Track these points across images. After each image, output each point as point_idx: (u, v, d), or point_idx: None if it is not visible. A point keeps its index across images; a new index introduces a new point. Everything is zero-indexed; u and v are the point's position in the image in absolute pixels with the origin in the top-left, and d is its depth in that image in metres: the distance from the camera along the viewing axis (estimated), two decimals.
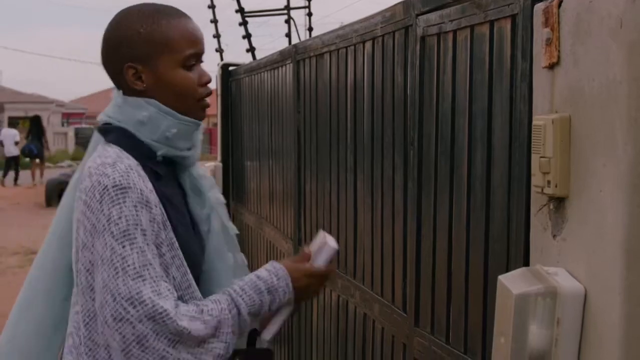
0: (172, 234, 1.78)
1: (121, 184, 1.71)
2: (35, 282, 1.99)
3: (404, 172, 2.91)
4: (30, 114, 34.66)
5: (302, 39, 8.01)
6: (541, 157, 1.79)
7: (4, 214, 15.30)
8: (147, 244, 1.70)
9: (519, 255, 2.04)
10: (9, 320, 2.02)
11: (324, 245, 2.04)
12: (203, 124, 1.95)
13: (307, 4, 8.92)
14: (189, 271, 1.81)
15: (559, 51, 1.77)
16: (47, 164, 22.41)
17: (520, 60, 2.05)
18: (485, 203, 2.27)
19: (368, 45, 3.30)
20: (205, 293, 1.90)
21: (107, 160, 1.76)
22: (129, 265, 1.67)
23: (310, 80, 4.24)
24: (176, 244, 1.79)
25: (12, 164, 21.74)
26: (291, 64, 4.61)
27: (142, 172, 1.77)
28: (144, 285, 1.66)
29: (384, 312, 3.09)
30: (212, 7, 8.48)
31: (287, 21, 8.65)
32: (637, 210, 1.56)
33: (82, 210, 1.74)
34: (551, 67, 1.80)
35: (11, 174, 21.58)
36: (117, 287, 1.66)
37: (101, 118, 1.90)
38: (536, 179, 1.83)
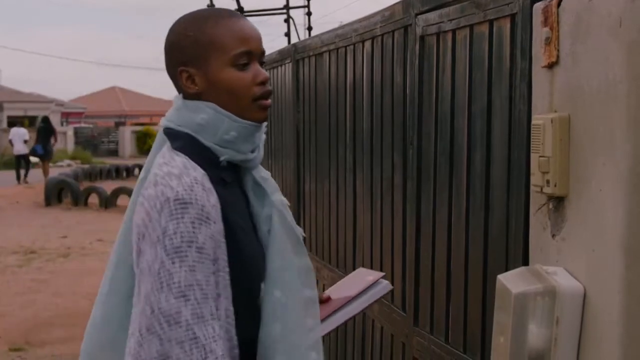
0: (225, 255, 1.75)
1: (183, 199, 1.68)
2: (104, 278, 1.98)
3: (403, 171, 2.91)
4: (30, 113, 34.71)
5: (302, 38, 8.02)
6: (540, 156, 1.79)
7: (3, 213, 15.28)
8: (202, 262, 1.67)
9: (518, 254, 2.04)
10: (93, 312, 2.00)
11: (375, 281, 2.07)
12: (265, 124, 1.90)
13: (306, 3, 8.95)
14: (230, 296, 1.76)
15: (558, 51, 1.77)
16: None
17: (520, 60, 2.05)
18: (485, 202, 2.27)
19: (367, 44, 3.30)
20: (265, 295, 1.87)
21: (173, 171, 1.74)
22: (174, 282, 1.64)
23: (310, 79, 4.24)
24: (226, 265, 1.75)
25: (22, 162, 21.89)
26: (290, 63, 4.61)
27: (209, 184, 1.74)
28: (185, 307, 1.63)
29: (383, 312, 3.09)
30: (211, 7, 8.49)
31: (287, 20, 8.67)
32: (636, 210, 1.56)
33: (142, 218, 1.72)
34: (550, 66, 1.80)
35: (21, 172, 21.72)
36: (158, 301, 1.64)
37: (162, 122, 1.89)
38: (535, 179, 1.83)
